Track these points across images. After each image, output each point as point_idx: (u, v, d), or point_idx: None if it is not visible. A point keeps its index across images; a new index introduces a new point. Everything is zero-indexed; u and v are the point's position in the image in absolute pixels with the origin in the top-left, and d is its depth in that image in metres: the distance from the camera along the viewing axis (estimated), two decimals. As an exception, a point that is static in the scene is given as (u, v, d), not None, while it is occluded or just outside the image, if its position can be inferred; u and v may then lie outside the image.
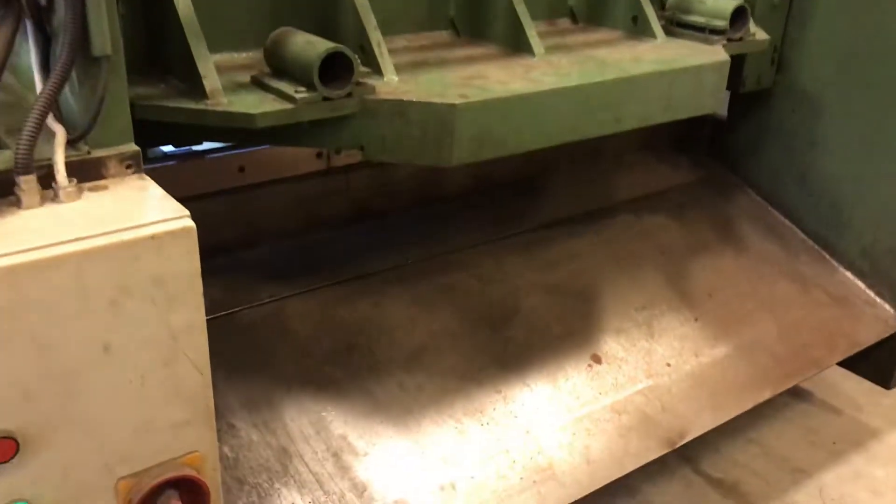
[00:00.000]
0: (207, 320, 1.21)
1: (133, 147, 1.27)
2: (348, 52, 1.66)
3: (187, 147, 2.15)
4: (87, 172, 1.22)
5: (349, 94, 1.71)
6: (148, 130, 1.54)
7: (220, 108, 1.63)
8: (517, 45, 2.13)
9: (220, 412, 1.65)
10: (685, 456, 2.76)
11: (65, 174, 1.17)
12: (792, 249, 2.99)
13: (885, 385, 2.89)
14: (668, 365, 2.43)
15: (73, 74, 1.21)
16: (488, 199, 2.75)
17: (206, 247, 1.19)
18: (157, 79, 1.74)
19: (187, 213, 1.15)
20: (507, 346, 2.31)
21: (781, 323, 2.68)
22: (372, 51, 1.86)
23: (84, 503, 1.16)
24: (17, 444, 1.09)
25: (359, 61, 1.72)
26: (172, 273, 1.11)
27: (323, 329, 2.17)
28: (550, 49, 2.13)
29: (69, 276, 1.05)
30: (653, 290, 2.65)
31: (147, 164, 1.33)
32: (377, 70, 1.85)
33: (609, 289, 2.59)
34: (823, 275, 2.93)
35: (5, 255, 1.04)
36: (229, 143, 2.23)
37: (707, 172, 3.20)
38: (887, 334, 2.77)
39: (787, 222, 3.08)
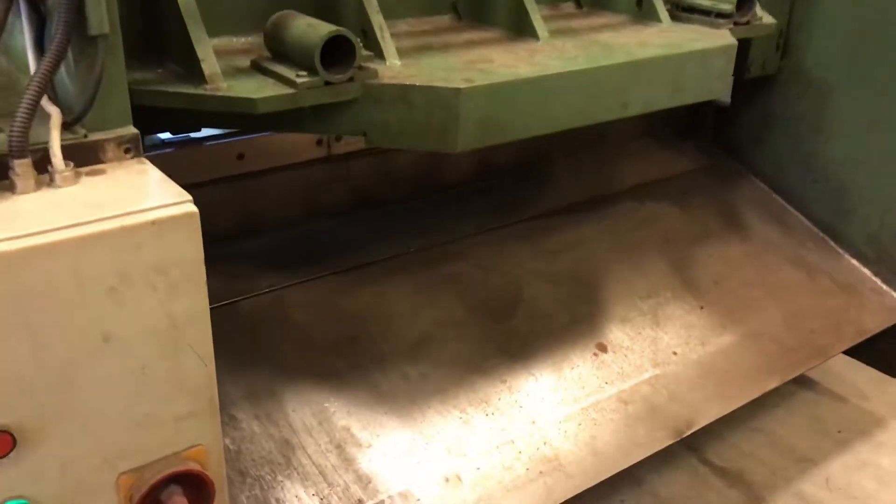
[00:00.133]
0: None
1: (132, 130, 1.23)
2: (350, 35, 1.62)
3: (185, 134, 2.11)
4: (84, 156, 1.18)
5: (351, 79, 1.67)
6: (145, 117, 1.50)
7: (219, 93, 1.59)
8: (521, 29, 2.09)
9: (222, 403, 1.61)
10: (690, 445, 2.73)
11: (61, 158, 1.13)
12: (797, 236, 2.96)
13: (891, 373, 2.87)
14: (675, 353, 2.40)
15: (69, 55, 1.16)
16: (490, 187, 2.72)
17: (204, 236, 1.15)
18: (155, 64, 1.70)
19: (189, 197, 1.11)
20: (511, 335, 2.28)
21: (787, 311, 2.65)
22: (374, 34, 1.81)
23: (84, 500, 1.13)
24: (14, 439, 1.06)
25: (361, 45, 1.68)
26: (174, 260, 1.07)
27: (325, 319, 2.14)
28: (554, 33, 2.09)
29: (66, 263, 1.01)
30: (657, 278, 2.62)
31: (144, 151, 1.29)
32: (379, 54, 1.81)
33: (613, 277, 2.56)
34: (829, 262, 2.90)
35: (-1, 241, 1.00)
36: (228, 130, 2.19)
37: (711, 159, 3.17)
38: (894, 322, 2.74)
39: (791, 209, 3.05)
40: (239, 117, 1.69)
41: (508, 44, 2.04)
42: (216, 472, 1.22)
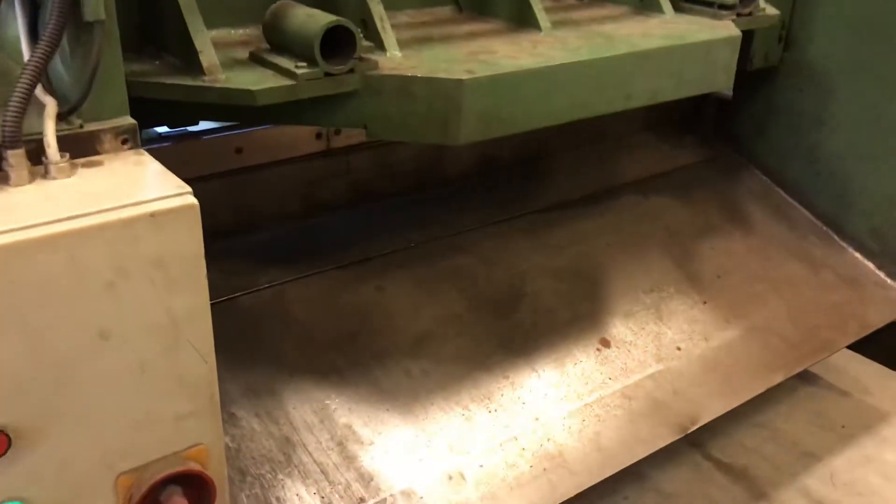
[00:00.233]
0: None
1: (129, 120, 1.19)
2: (351, 25, 1.60)
3: (183, 128, 2.08)
4: (80, 147, 1.15)
5: (352, 70, 1.64)
6: (142, 110, 1.48)
7: (217, 85, 1.56)
8: (522, 19, 2.06)
9: (221, 401, 1.59)
10: (693, 441, 2.71)
11: (56, 149, 1.10)
12: (800, 230, 2.94)
13: (895, 367, 2.85)
14: (678, 349, 2.37)
15: (64, 42, 1.13)
16: (492, 181, 2.69)
17: (203, 231, 1.11)
18: (152, 56, 1.68)
19: (189, 189, 1.08)
20: (513, 330, 2.26)
21: (791, 305, 2.63)
22: (374, 25, 1.79)
23: (82, 501, 1.10)
24: (9, 438, 1.02)
25: (361, 35, 1.65)
26: (174, 254, 1.04)
27: (325, 315, 2.11)
28: (556, 24, 2.06)
29: (62, 257, 0.98)
30: (660, 272, 2.59)
31: (141, 145, 1.26)
32: (380, 45, 1.78)
33: (616, 271, 2.54)
34: (832, 255, 2.88)
35: (-7, 234, 0.96)
36: (226, 124, 2.16)
37: (712, 153, 3.14)
38: (898, 316, 2.72)
39: (794, 203, 3.02)
40: (237, 110, 1.66)
41: (510, 35, 2.01)
42: (217, 471, 1.18)
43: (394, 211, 2.47)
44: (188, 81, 1.56)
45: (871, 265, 2.86)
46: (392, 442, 1.91)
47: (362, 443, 1.89)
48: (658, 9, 2.29)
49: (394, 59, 1.76)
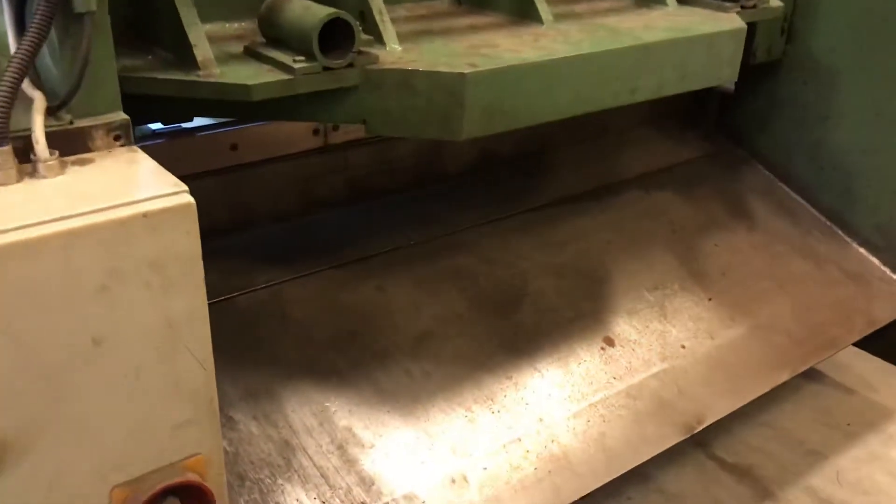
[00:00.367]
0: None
1: (122, 116, 1.15)
2: (349, 18, 1.55)
3: (176, 124, 2.03)
4: (70, 144, 1.10)
5: (351, 64, 1.60)
6: (135, 106, 1.43)
7: (212, 80, 1.52)
8: (524, 13, 2.02)
9: (218, 404, 1.55)
10: (697, 440, 2.67)
11: (45, 146, 1.05)
12: (804, 225, 2.91)
13: (900, 364, 2.83)
14: (683, 347, 2.33)
15: (53, 34, 1.08)
16: (492, 177, 2.64)
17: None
18: (144, 50, 1.63)
19: (185, 187, 1.03)
20: (516, 329, 2.22)
21: (796, 302, 2.60)
22: (373, 18, 1.74)
23: (75, 515, 1.05)
24: (-2, 450, 0.98)
25: (360, 29, 1.61)
26: (170, 255, 0.99)
27: (324, 315, 2.07)
28: (558, 17, 2.03)
29: (52, 259, 0.93)
30: (664, 269, 2.56)
31: (134, 142, 1.21)
32: (379, 39, 1.74)
33: (619, 268, 2.50)
34: (837, 251, 2.85)
35: (-22, 237, 0.91)
36: (221, 120, 2.11)
37: (715, 147, 3.11)
38: (904, 312, 2.69)
39: (797, 198, 2.99)
40: (233, 105, 1.61)
41: (511, 28, 1.98)
42: (216, 482, 1.14)
43: (393, 208, 2.42)
44: (182, 76, 1.52)
45: (875, 261, 2.83)
46: (393, 444, 1.87)
47: (363, 446, 1.84)
48: (661, 0, 2.25)
49: (393, 52, 1.72)
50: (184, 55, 1.54)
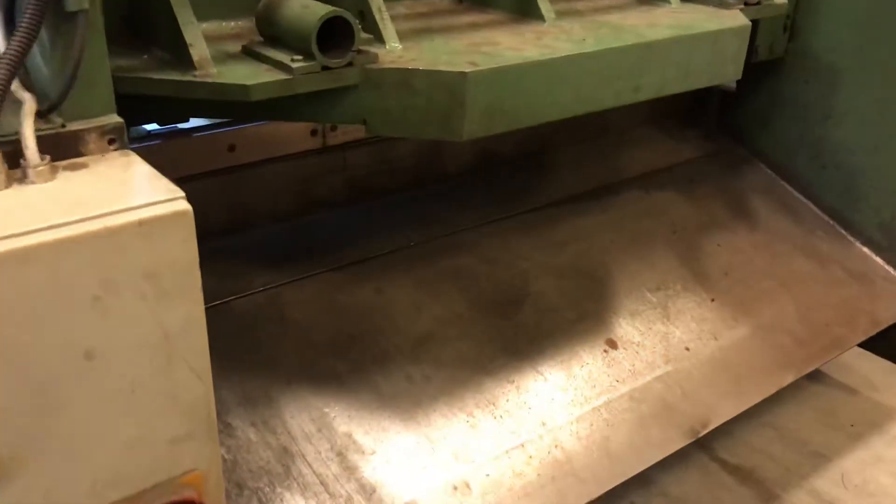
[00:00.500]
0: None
1: (116, 119, 1.11)
2: (349, 16, 1.52)
3: (172, 125, 1.99)
4: (62, 148, 1.06)
5: (350, 63, 1.57)
6: (130, 107, 1.40)
7: (209, 80, 1.48)
8: (525, 10, 1.99)
9: (216, 410, 1.52)
10: (699, 442, 2.61)
11: (35, 150, 1.01)
12: (806, 225, 2.88)
13: (904, 364, 2.80)
14: (687, 349, 2.31)
15: (44, 34, 1.04)
16: (493, 176, 2.61)
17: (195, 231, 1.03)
18: (139, 50, 1.59)
19: (181, 193, 0.99)
20: (517, 331, 2.18)
21: (800, 302, 2.57)
22: (372, 16, 1.71)
23: (68, 536, 1.01)
24: (-13, 467, 0.94)
25: (360, 27, 1.57)
26: (166, 264, 0.95)
27: (322, 318, 2.03)
28: (560, 14, 2.00)
29: (43, 270, 0.89)
30: (666, 269, 2.53)
31: (129, 144, 1.17)
32: (378, 37, 1.70)
33: (621, 269, 2.47)
34: (840, 250, 2.82)
35: (-34, 246, 0.87)
36: (218, 121, 2.07)
37: (716, 146, 3.08)
38: (909, 312, 2.66)
39: (800, 197, 2.96)
40: (230, 106, 1.58)
41: (512, 26, 1.94)
42: (215, 498, 1.10)
43: (392, 208, 2.39)
44: (178, 76, 1.48)
45: (879, 260, 2.81)
46: (394, 451, 1.84)
47: (363, 452, 1.81)
48: (664, -3, 2.22)
49: (393, 51, 1.68)
50: (180, 55, 1.50)
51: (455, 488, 1.82)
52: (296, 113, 1.65)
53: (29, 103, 1.03)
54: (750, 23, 2.13)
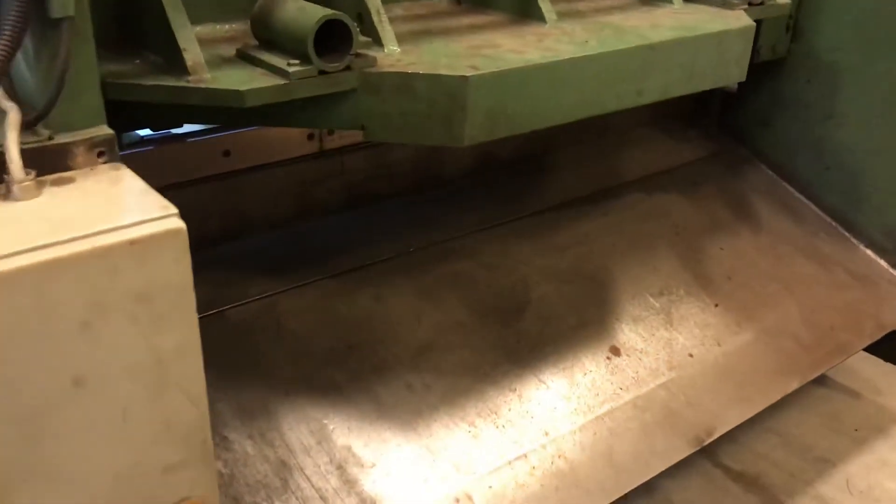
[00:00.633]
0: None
1: (105, 130, 1.06)
2: (347, 19, 1.48)
3: (166, 130, 1.95)
4: (48, 162, 1.01)
5: (348, 67, 1.53)
6: (121, 113, 1.36)
7: (203, 86, 1.44)
8: (526, 11, 1.96)
9: (211, 423, 1.47)
10: (703, 448, 2.57)
11: (20, 164, 0.96)
12: (809, 227, 2.84)
13: (907, 367, 2.77)
14: (691, 355, 2.27)
15: (28, 42, 0.99)
16: (492, 181, 2.57)
17: (190, 239, 0.99)
18: (131, 54, 1.55)
19: (175, 210, 0.94)
20: (519, 338, 2.15)
21: (804, 306, 2.53)
22: (370, 19, 1.67)
23: (58, 571, 0.96)
24: (-29, 500, 0.90)
25: (358, 30, 1.53)
26: (158, 285, 0.91)
27: (320, 327, 1.99)
28: (561, 15, 1.96)
29: (28, 294, 0.85)
30: (669, 273, 2.49)
31: (121, 150, 1.13)
32: (377, 40, 1.67)
33: (623, 273, 2.43)
34: (843, 253, 2.78)
35: (-53, 268, 0.83)
36: (213, 125, 2.03)
37: (717, 147, 3.04)
38: (913, 315, 2.63)
39: (802, 198, 2.93)
40: (225, 112, 1.53)
41: (513, 27, 1.91)
42: (211, 526, 1.06)
43: (391, 213, 2.34)
44: (171, 82, 1.44)
45: (883, 263, 2.78)
46: (394, 463, 1.80)
47: (363, 465, 1.77)
48: (666, -2, 2.19)
49: (392, 54, 1.65)
50: (173, 59, 1.46)
51: (457, 501, 1.78)
52: (292, 118, 1.61)
53: (13, 114, 0.98)
54: (754, 23, 2.10)
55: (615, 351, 2.21)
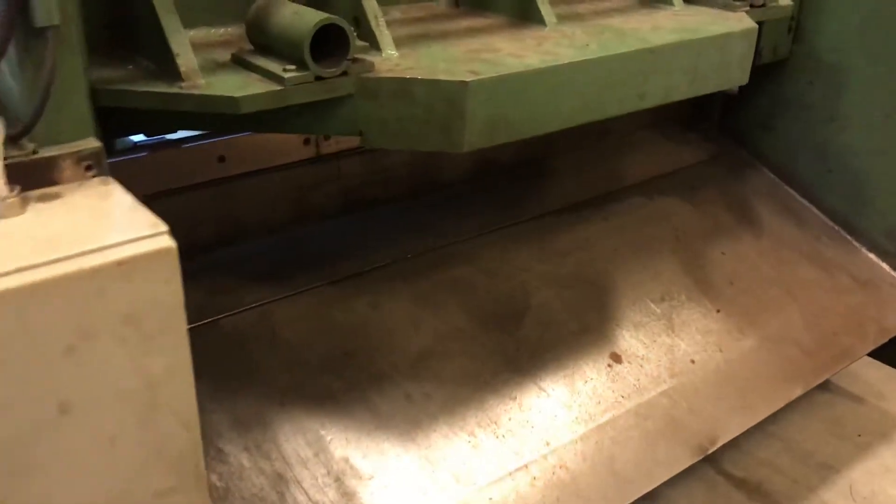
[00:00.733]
0: (187, 329, 0.96)
1: (93, 143, 1.02)
2: (343, 23, 1.45)
3: (160, 136, 1.91)
4: (33, 177, 0.97)
5: (345, 73, 1.50)
6: (114, 119, 1.33)
7: (196, 92, 1.41)
8: (525, 14, 1.92)
9: (206, 435, 1.44)
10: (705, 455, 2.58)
11: (4, 180, 0.93)
12: (811, 230, 2.81)
13: (910, 372, 2.74)
14: (693, 362, 2.24)
15: (12, 51, 0.96)
16: (491, 185, 2.54)
17: (184, 246, 0.96)
18: (123, 60, 1.52)
19: (165, 228, 0.90)
20: (518, 345, 2.11)
21: (807, 311, 2.51)
22: (368, 23, 1.64)
23: None
24: (-46, 530, 0.86)
25: (355, 34, 1.50)
26: (147, 307, 0.87)
27: (317, 335, 1.96)
28: (561, 18, 1.93)
29: (11, 318, 0.81)
30: (670, 278, 2.46)
31: (115, 156, 1.10)
32: (374, 45, 1.63)
33: (623, 279, 2.40)
34: (846, 257, 2.76)
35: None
36: (207, 131, 1.99)
37: (718, 150, 3.01)
38: (917, 320, 2.60)
39: (804, 201, 2.90)
40: (219, 118, 1.50)
41: (512, 31, 1.88)
42: (204, 553, 1.03)
43: (388, 219, 2.31)
44: (164, 88, 1.41)
45: (886, 266, 2.75)
46: (393, 474, 1.77)
47: (361, 477, 1.74)
48: (667, 0, 2.16)
49: (390, 59, 1.61)
50: (166, 65, 1.43)
51: (457, 513, 1.75)
52: (288, 125, 1.58)
53: (-3, 127, 0.95)
54: (757, 25, 2.07)
55: (616, 358, 2.18)
